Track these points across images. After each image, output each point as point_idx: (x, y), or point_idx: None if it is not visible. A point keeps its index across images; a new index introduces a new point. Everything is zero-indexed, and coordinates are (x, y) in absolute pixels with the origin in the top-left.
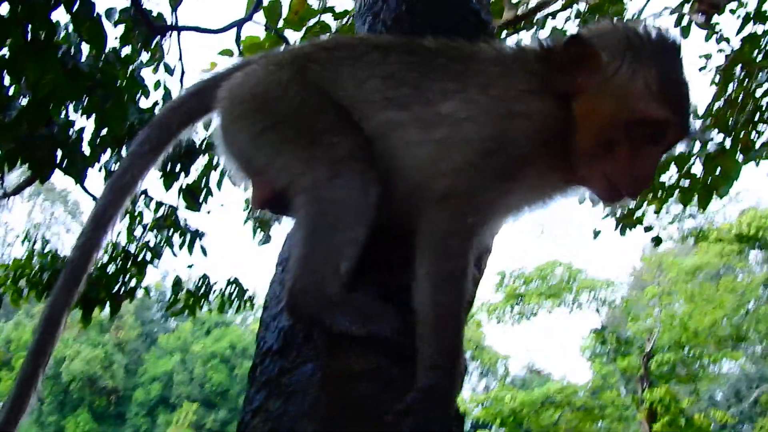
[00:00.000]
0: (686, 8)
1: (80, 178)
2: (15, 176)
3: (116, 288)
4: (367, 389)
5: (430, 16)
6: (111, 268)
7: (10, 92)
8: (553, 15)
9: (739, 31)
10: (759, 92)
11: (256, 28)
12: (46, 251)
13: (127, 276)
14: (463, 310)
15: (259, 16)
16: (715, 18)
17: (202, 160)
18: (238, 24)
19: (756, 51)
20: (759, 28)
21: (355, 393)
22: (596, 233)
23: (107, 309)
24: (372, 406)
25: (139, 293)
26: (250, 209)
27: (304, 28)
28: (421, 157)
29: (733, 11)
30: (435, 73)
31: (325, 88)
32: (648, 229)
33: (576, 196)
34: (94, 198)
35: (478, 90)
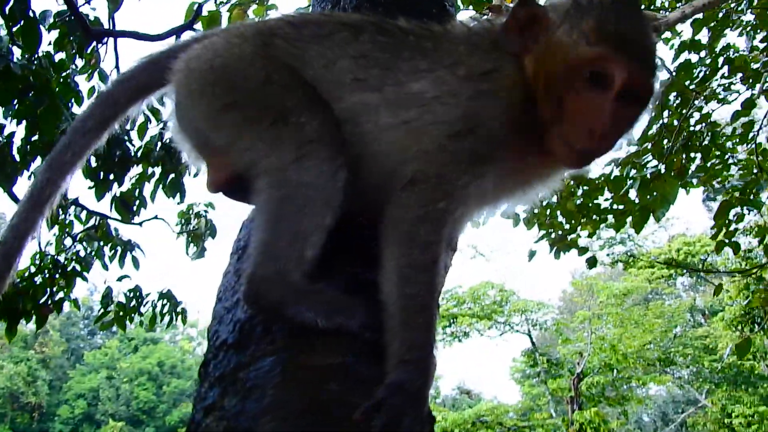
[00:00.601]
0: None
1: (9, 186)
2: None
3: (43, 299)
4: (332, 386)
5: (393, 4)
6: (38, 279)
7: None
8: None
9: (674, 59)
10: (692, 120)
11: None
12: None
13: (55, 287)
14: (434, 302)
15: (200, 25)
16: None
17: (135, 170)
18: (178, 32)
19: (690, 79)
20: (693, 57)
21: (320, 390)
22: (531, 254)
23: (33, 322)
24: (338, 405)
25: (67, 306)
26: (183, 222)
27: None
28: (391, 140)
29: (667, 41)
30: (406, 52)
31: (292, 63)
32: (583, 251)
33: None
34: None
35: (447, 69)
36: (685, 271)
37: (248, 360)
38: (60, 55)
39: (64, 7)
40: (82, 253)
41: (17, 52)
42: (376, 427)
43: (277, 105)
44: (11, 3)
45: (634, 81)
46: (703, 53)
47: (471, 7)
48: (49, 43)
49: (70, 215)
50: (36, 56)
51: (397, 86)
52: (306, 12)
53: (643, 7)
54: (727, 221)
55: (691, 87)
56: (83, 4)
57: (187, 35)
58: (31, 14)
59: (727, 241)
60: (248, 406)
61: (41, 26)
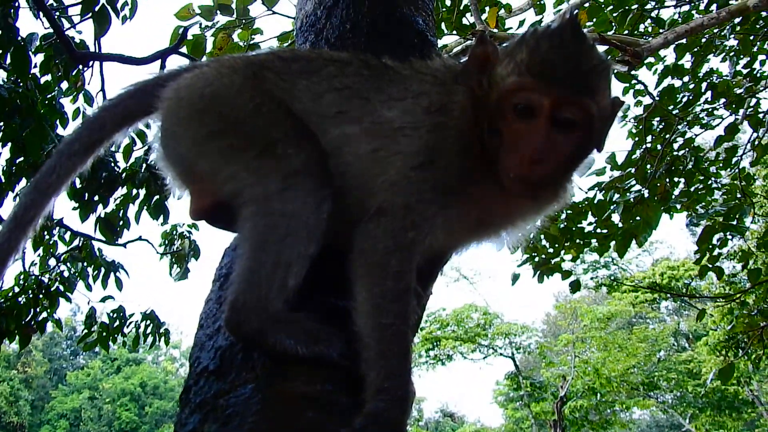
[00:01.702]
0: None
1: None
2: None
3: (26, 320)
4: (311, 414)
5: (375, 35)
6: (22, 299)
7: None
8: None
9: (657, 85)
10: (676, 145)
11: (182, 60)
12: None
13: (39, 308)
14: (409, 330)
15: (185, 48)
16: (634, 71)
17: (120, 191)
18: (163, 55)
19: (673, 104)
20: (677, 82)
21: (298, 418)
22: (515, 278)
23: (16, 342)
24: (316, 430)
25: (50, 326)
26: (167, 243)
27: None
28: (365, 167)
29: (650, 66)
30: (384, 83)
31: (280, 96)
32: (567, 275)
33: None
34: None
35: (413, 100)
36: (668, 295)
37: (228, 387)
38: (46, 78)
39: (51, 30)
40: (65, 274)
41: (2, 74)
42: None
43: (264, 136)
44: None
45: (562, 107)
46: (686, 78)
47: (455, 32)
48: (35, 66)
49: (54, 236)
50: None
51: (373, 115)
52: (296, 49)
53: (626, 33)
54: (710, 246)
55: (674, 112)
56: (69, 28)
57: (172, 59)
58: (20, 41)
59: (710, 266)
60: None
61: (28, 51)
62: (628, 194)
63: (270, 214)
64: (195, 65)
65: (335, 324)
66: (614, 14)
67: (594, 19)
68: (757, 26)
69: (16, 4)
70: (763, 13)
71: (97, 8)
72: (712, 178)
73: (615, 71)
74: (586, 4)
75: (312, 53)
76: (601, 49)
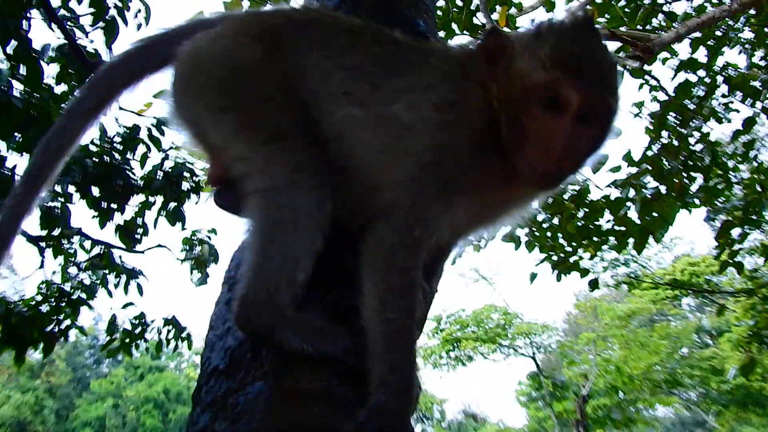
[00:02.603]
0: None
1: None
2: None
3: (50, 327)
4: (317, 410)
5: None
6: (44, 307)
7: None
8: None
9: (672, 79)
10: (691, 139)
11: None
12: None
13: (61, 315)
14: (414, 325)
15: None
16: (647, 66)
17: (137, 198)
18: None
19: (688, 99)
20: (692, 77)
21: (305, 413)
22: (533, 277)
23: (40, 351)
24: (323, 427)
25: (73, 334)
26: (187, 248)
27: None
28: (371, 161)
29: (664, 60)
30: (394, 69)
31: (293, 75)
32: (585, 273)
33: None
34: (30, 238)
35: (422, 94)
36: (690, 291)
37: (238, 386)
38: (60, 87)
39: (63, 40)
40: (87, 282)
41: (17, 84)
42: None
43: (275, 123)
44: (14, 44)
45: (590, 102)
46: (701, 72)
47: (466, 32)
48: (51, 77)
49: (74, 244)
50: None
51: (380, 105)
52: (312, 10)
53: (638, 28)
54: (729, 241)
55: (690, 106)
56: (81, 37)
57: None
58: (32, 53)
59: (730, 261)
60: (238, 429)
61: (42, 61)
62: (644, 191)
63: (277, 208)
64: (209, 22)
65: (342, 322)
66: (626, 9)
67: (606, 15)
68: None
69: (29, 15)
70: None
71: (107, 18)
72: (730, 172)
73: (628, 67)
74: (598, 0)
75: (327, 17)
76: (612, 45)
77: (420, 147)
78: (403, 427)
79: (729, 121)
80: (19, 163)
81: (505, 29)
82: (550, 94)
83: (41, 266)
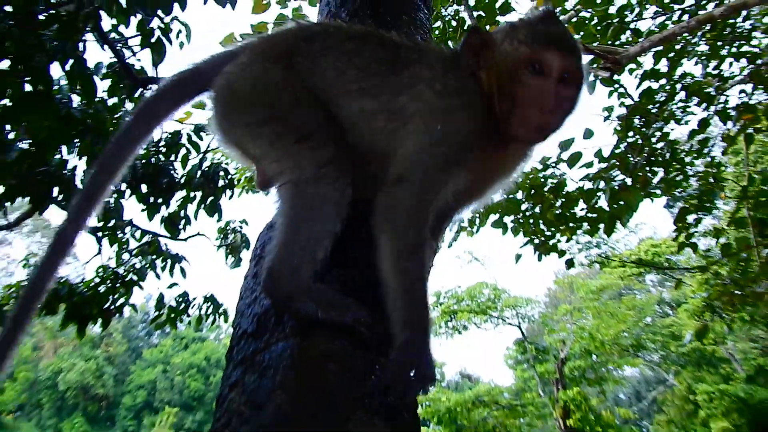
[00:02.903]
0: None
1: None
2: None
3: (107, 305)
4: (331, 366)
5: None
6: (102, 288)
7: (11, 136)
8: None
9: (638, 87)
10: (654, 138)
11: None
12: None
13: (116, 294)
14: (426, 276)
15: None
16: (616, 76)
17: (180, 194)
18: None
19: (651, 104)
20: (654, 84)
21: (321, 369)
22: (518, 258)
23: (99, 325)
24: (336, 381)
25: (126, 310)
26: (222, 236)
27: None
28: (385, 143)
29: (631, 71)
30: (398, 66)
31: (311, 81)
32: (562, 254)
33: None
34: (88, 230)
35: (426, 85)
36: (652, 269)
37: (263, 346)
38: (112, 100)
39: (114, 59)
40: (137, 266)
41: (76, 98)
42: (395, 371)
43: (302, 126)
44: (71, 62)
45: (567, 66)
46: (663, 81)
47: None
48: (103, 90)
49: (127, 234)
50: (93, 103)
51: (389, 96)
52: (315, 24)
53: (609, 43)
54: (686, 225)
55: (652, 110)
56: (130, 57)
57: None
58: (87, 71)
59: (687, 242)
60: (264, 383)
61: (95, 77)
62: (613, 183)
63: (305, 196)
64: (233, 53)
65: (352, 295)
66: (598, 27)
67: (581, 32)
68: (724, 33)
69: (84, 38)
70: (730, 20)
71: (153, 39)
72: (687, 167)
73: (599, 77)
74: (574, 19)
75: (330, 27)
76: (586, 58)
77: (429, 128)
78: (427, 356)
79: (686, 122)
80: (78, 164)
81: None
82: (535, 62)
83: (99, 253)
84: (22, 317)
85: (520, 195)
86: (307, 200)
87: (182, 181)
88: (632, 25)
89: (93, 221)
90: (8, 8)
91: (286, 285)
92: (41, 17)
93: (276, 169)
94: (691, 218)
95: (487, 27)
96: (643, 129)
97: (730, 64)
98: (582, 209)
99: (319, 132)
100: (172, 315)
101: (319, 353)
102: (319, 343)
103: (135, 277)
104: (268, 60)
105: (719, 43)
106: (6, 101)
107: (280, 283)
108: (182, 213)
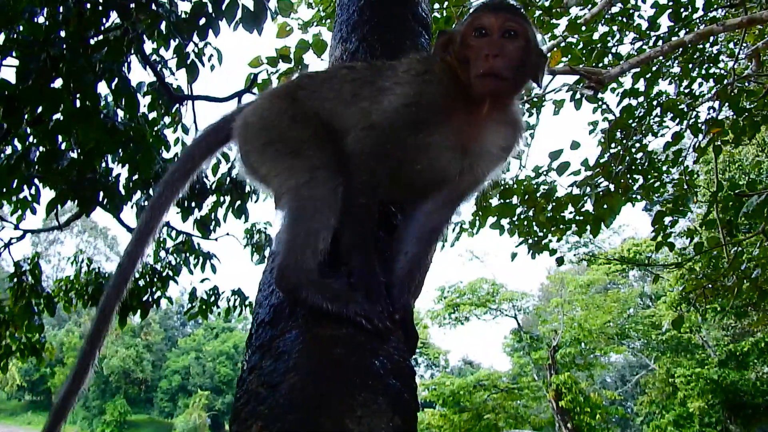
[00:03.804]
0: (578, 86)
1: (117, 213)
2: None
3: (145, 298)
4: (339, 350)
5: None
6: (141, 282)
7: (63, 146)
8: None
9: (619, 104)
10: (634, 149)
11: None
12: (90, 269)
13: (154, 288)
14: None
15: (256, 89)
16: (600, 95)
17: (211, 199)
18: (239, 95)
19: (631, 119)
20: (633, 102)
21: (331, 353)
22: (513, 256)
23: (138, 315)
24: (343, 363)
25: (163, 303)
26: (249, 237)
27: None
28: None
29: (613, 89)
30: (384, 71)
31: (311, 105)
32: (553, 252)
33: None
34: (129, 229)
35: (404, 73)
36: (634, 265)
37: (279, 333)
38: (152, 114)
39: (154, 79)
40: (173, 263)
41: (120, 113)
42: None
43: (296, 140)
44: (116, 81)
45: (504, 23)
46: (641, 98)
47: None
48: (144, 105)
49: (163, 234)
50: (135, 117)
51: (378, 90)
52: (320, 70)
53: (594, 65)
54: (663, 226)
55: (632, 124)
56: (168, 76)
57: (246, 97)
58: (131, 89)
59: (664, 242)
60: (279, 366)
61: (138, 95)
62: (597, 189)
63: (301, 199)
64: (253, 100)
65: (356, 289)
66: (583, 51)
67: (568, 55)
68: (695, 56)
69: (128, 60)
70: (699, 46)
71: (188, 61)
72: (664, 175)
73: (585, 95)
74: (562, 44)
75: (331, 67)
76: (572, 78)
77: (404, 94)
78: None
79: (662, 135)
80: (121, 172)
81: None
82: (477, 26)
83: (144, 261)
84: (110, 305)
85: (515, 200)
86: (303, 201)
87: (213, 187)
88: (613, 50)
89: (133, 222)
90: (62, 33)
91: (293, 278)
92: (92, 41)
93: (278, 183)
94: (667, 220)
95: None
96: (624, 141)
97: (700, 84)
98: (570, 212)
99: (310, 142)
100: (204, 307)
101: (327, 339)
102: (327, 330)
103: (171, 273)
104: (277, 97)
105: (690, 66)
106: (58, 115)
107: (287, 275)
108: (213, 216)
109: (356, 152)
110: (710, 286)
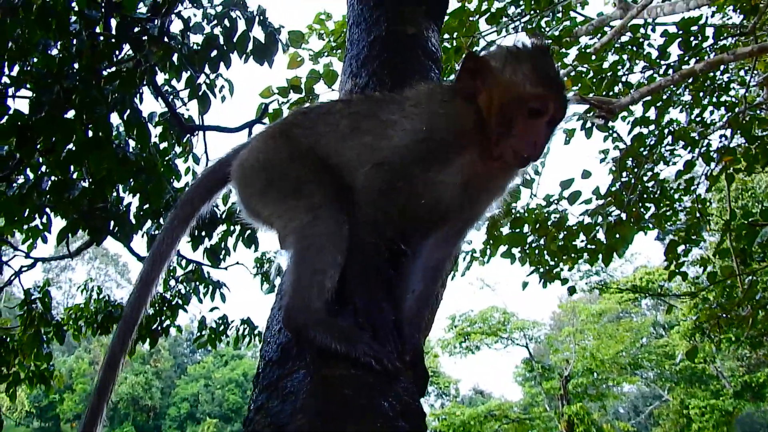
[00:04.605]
0: (589, 114)
1: (128, 242)
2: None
3: (154, 326)
4: (348, 391)
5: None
6: (150, 311)
7: (74, 176)
8: None
9: (630, 132)
10: (645, 178)
11: None
12: (100, 297)
13: (163, 317)
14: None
15: (267, 119)
16: (610, 123)
17: (221, 228)
18: (250, 125)
19: (642, 147)
20: (644, 130)
21: (338, 393)
22: (525, 285)
23: (147, 343)
24: (352, 404)
25: (173, 330)
26: (258, 266)
27: None
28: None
29: (624, 118)
30: (386, 104)
31: (307, 142)
32: (565, 281)
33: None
34: (140, 258)
35: (413, 106)
36: (647, 294)
37: (286, 373)
38: (163, 144)
39: (166, 109)
40: (182, 291)
41: (131, 143)
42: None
43: (295, 180)
44: (128, 113)
45: (558, 112)
46: (652, 127)
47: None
48: (156, 136)
49: (173, 262)
50: (147, 147)
51: (381, 126)
52: (313, 104)
53: (604, 94)
54: (676, 255)
55: (643, 153)
56: (180, 107)
57: (257, 128)
58: (142, 120)
59: (677, 271)
60: (286, 406)
61: (149, 125)
62: (609, 218)
63: (305, 238)
64: (249, 141)
65: (363, 330)
66: (593, 80)
67: (579, 84)
68: (705, 85)
69: (141, 91)
70: (710, 74)
71: (200, 93)
72: (676, 203)
73: (596, 124)
74: (572, 73)
75: (325, 102)
76: (582, 107)
77: (414, 127)
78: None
79: (674, 164)
80: (132, 201)
81: None
82: (537, 105)
83: (155, 292)
84: (126, 332)
85: (526, 228)
86: (307, 241)
87: (223, 216)
88: (624, 79)
89: (144, 251)
90: (76, 65)
91: (300, 318)
92: (105, 72)
93: (282, 224)
94: (680, 249)
95: None
96: (636, 169)
97: (711, 112)
98: (582, 241)
99: (310, 180)
100: (213, 335)
101: (335, 379)
102: (335, 370)
103: (180, 302)
104: (272, 137)
105: (701, 94)
106: (71, 146)
107: (295, 317)
108: (223, 245)
109: (365, 190)
110: (725, 315)
